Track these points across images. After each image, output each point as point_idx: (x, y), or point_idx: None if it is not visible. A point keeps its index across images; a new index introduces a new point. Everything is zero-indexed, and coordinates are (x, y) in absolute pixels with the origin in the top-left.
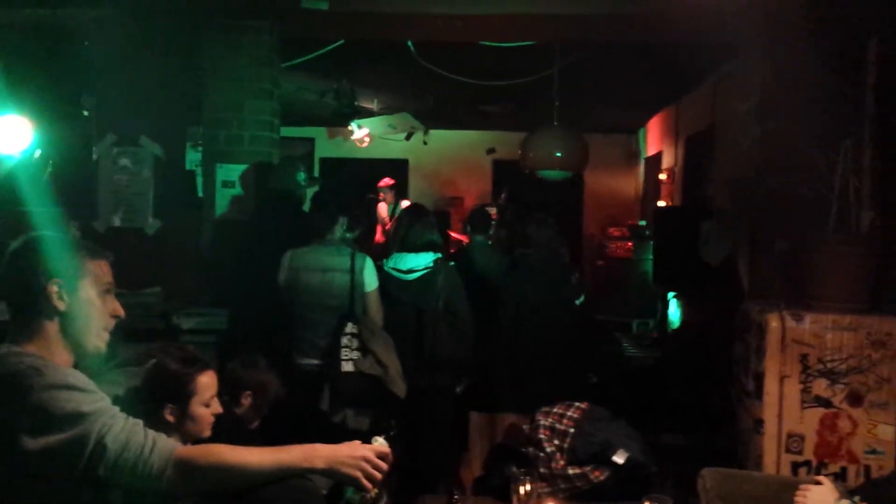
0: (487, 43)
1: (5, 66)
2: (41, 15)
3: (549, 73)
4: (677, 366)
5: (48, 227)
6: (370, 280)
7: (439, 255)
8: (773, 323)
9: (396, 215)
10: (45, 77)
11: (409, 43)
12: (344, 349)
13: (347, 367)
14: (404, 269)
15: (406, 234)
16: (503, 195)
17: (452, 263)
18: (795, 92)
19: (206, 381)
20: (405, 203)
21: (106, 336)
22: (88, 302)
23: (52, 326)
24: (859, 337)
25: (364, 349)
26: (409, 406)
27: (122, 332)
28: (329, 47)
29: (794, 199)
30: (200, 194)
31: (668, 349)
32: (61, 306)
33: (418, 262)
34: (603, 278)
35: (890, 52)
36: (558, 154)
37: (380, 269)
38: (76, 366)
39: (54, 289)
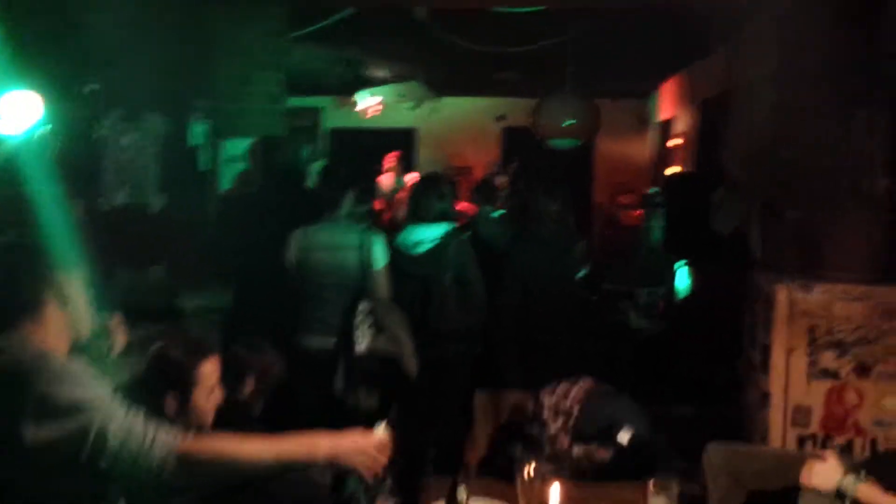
0: (500, 9)
1: (12, 41)
2: None
3: (561, 41)
4: (685, 336)
5: (52, 206)
6: (379, 257)
7: (452, 225)
8: (781, 294)
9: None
10: (50, 51)
11: (419, 11)
12: (359, 328)
13: (362, 346)
14: (410, 242)
15: (417, 205)
16: (514, 164)
17: (465, 236)
18: (811, 58)
19: (209, 370)
20: (410, 176)
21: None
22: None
23: (51, 310)
24: (869, 307)
25: (379, 327)
26: (417, 383)
27: (127, 312)
28: (338, 16)
29: (809, 167)
30: (202, 168)
31: (676, 320)
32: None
33: (427, 235)
34: (612, 247)
35: None
36: (570, 122)
37: (388, 246)
38: (77, 349)
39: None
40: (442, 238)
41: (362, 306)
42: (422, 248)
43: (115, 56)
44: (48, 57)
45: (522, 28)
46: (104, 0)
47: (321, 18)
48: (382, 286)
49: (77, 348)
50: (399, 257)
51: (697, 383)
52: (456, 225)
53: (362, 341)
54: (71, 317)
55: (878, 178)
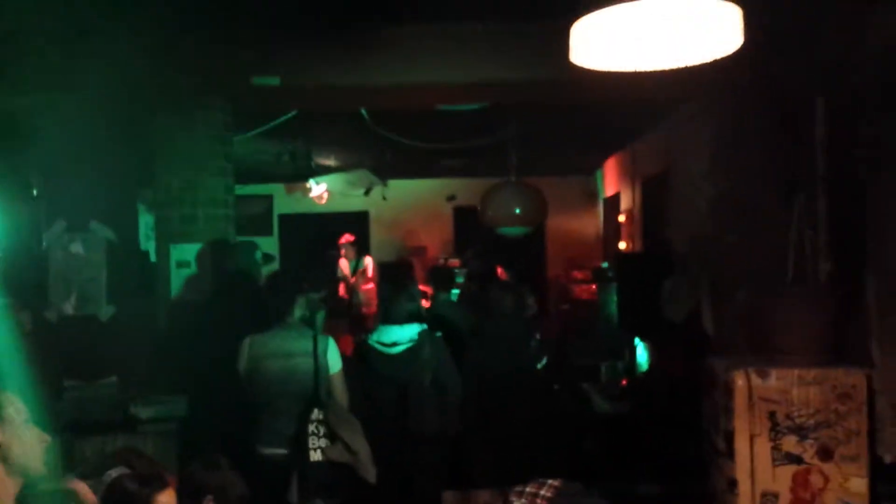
0: (442, 107)
1: None
2: None
3: (503, 136)
4: (648, 416)
5: None
6: (334, 361)
7: (423, 326)
8: (740, 381)
9: (359, 271)
10: None
11: (363, 111)
12: (311, 437)
13: (316, 455)
14: (388, 342)
15: (389, 307)
16: (469, 252)
17: (439, 335)
18: (747, 150)
19: (165, 502)
20: (368, 259)
21: (41, 459)
22: (18, 428)
23: None
24: (825, 390)
25: (332, 436)
26: (386, 487)
27: (80, 426)
28: (283, 118)
29: (753, 253)
30: (151, 275)
31: (638, 399)
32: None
33: (402, 336)
34: (569, 321)
35: (837, 109)
36: (517, 211)
37: (362, 345)
38: (25, 489)
39: None
40: (418, 337)
41: (314, 414)
42: (399, 349)
43: (59, 165)
44: None
45: (465, 124)
46: (44, 111)
47: (267, 118)
48: (339, 390)
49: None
50: (376, 357)
51: (664, 461)
52: (426, 327)
53: (315, 450)
54: (14, 458)
55: (820, 263)
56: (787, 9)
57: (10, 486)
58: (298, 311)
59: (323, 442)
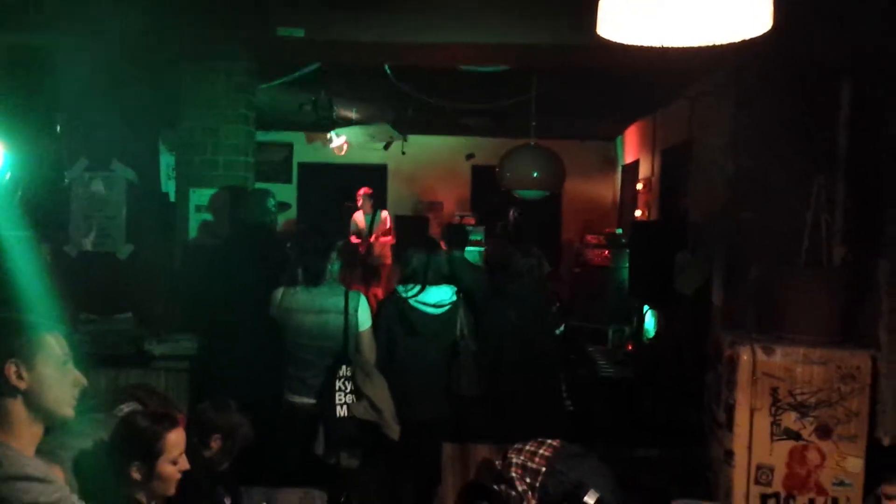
0: (466, 67)
1: None
2: (14, 38)
3: (525, 98)
4: (651, 383)
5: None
6: (364, 319)
7: (455, 287)
8: (745, 356)
9: (375, 226)
10: (17, 99)
11: (387, 67)
12: (338, 392)
13: (342, 411)
14: (431, 302)
15: (427, 267)
16: (513, 213)
17: (461, 296)
18: (769, 128)
19: (175, 439)
20: (384, 213)
21: (73, 403)
22: (48, 376)
23: (16, 405)
24: (829, 370)
25: (358, 392)
26: (405, 440)
27: (94, 359)
28: (306, 69)
29: (768, 232)
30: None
31: (643, 365)
32: (22, 385)
33: (443, 297)
34: (580, 285)
35: (861, 92)
36: (535, 174)
37: (402, 304)
38: (47, 429)
39: (12, 368)
40: (455, 299)
41: (342, 370)
42: (442, 310)
43: (82, 103)
44: (13, 105)
45: (488, 84)
46: (71, 50)
47: (290, 68)
48: (367, 347)
49: (47, 427)
50: (419, 318)
51: (664, 427)
52: (457, 288)
53: (342, 406)
54: (35, 404)
55: (835, 245)
56: None
57: (34, 433)
58: (332, 268)
59: (349, 398)
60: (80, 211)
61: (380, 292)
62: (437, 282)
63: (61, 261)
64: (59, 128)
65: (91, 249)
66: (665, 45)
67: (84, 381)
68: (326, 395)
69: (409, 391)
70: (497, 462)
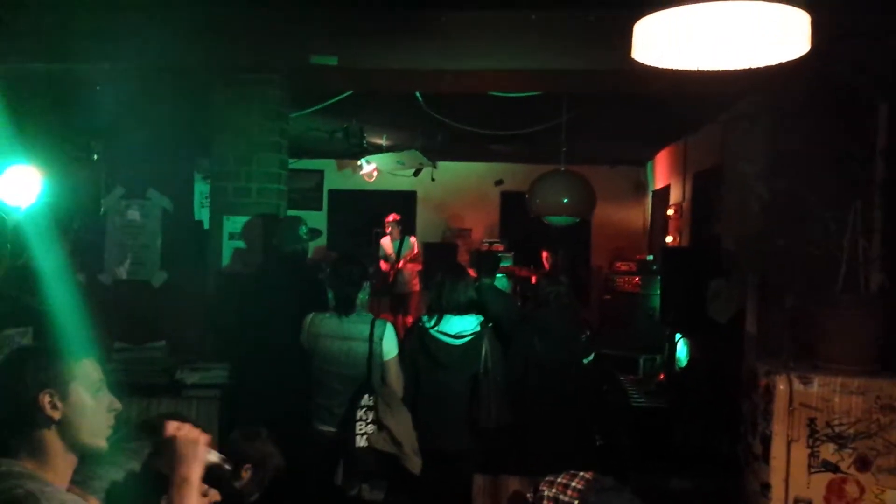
0: (495, 93)
1: (16, 117)
2: (52, 66)
3: (555, 124)
4: (685, 413)
5: (55, 278)
6: (389, 348)
7: (482, 317)
8: (781, 386)
9: (403, 252)
10: (55, 127)
11: (418, 94)
12: (359, 422)
13: (362, 441)
14: (452, 332)
15: (450, 295)
16: (548, 257)
17: (490, 325)
18: (804, 152)
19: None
20: (413, 239)
21: (108, 432)
22: (83, 404)
23: (51, 436)
24: (868, 401)
25: (379, 423)
26: (429, 473)
27: (127, 388)
28: (338, 97)
29: (804, 258)
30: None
31: (676, 395)
32: (56, 415)
33: (465, 326)
34: (610, 312)
35: None
36: (565, 200)
37: (423, 334)
38: (81, 461)
39: (46, 398)
40: (479, 330)
41: (364, 399)
42: (464, 340)
43: (119, 131)
44: (51, 133)
45: (517, 110)
46: (105, 78)
47: (322, 96)
48: (394, 376)
49: (81, 458)
50: (439, 348)
51: (698, 457)
52: (483, 318)
53: (361, 436)
54: (70, 434)
55: (872, 272)
56: (856, 12)
57: (68, 464)
58: (362, 296)
59: (370, 428)
60: (115, 239)
61: (409, 321)
62: (460, 311)
63: (96, 289)
64: (96, 156)
65: (125, 278)
66: (701, 69)
67: (119, 405)
68: (347, 424)
69: (431, 422)
70: (529, 495)
